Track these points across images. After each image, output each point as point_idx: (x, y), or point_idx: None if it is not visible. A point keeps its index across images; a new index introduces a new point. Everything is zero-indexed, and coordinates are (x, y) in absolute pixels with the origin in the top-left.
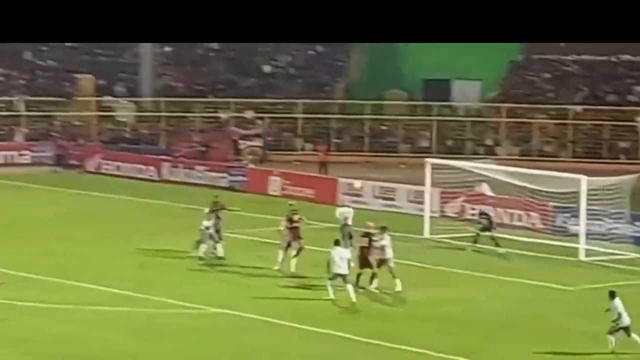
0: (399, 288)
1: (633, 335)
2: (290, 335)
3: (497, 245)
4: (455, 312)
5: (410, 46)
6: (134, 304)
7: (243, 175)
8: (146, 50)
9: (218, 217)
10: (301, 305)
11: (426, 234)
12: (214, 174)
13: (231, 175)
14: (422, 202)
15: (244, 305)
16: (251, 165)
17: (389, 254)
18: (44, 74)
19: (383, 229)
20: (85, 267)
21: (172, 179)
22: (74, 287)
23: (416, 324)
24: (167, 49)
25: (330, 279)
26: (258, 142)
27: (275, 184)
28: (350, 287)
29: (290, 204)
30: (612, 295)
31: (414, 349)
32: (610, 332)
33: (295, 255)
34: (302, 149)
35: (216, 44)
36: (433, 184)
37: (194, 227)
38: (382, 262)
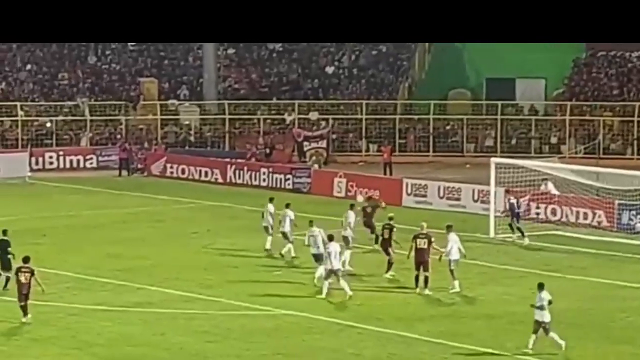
0: (457, 289)
1: (551, 333)
2: (358, 337)
3: (519, 233)
4: (522, 311)
5: (473, 45)
6: (199, 306)
7: (308, 177)
8: (209, 52)
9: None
10: (368, 307)
11: (492, 233)
12: (278, 175)
13: (296, 177)
14: (487, 202)
15: (309, 306)
16: (315, 167)
17: (455, 254)
18: (108, 78)
19: (448, 228)
20: (151, 270)
21: (237, 181)
22: (140, 290)
23: (484, 323)
24: (230, 51)
25: (326, 278)
26: (322, 144)
27: (340, 186)
28: (343, 282)
29: (390, 217)
30: (541, 287)
31: (482, 349)
32: (535, 331)
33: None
34: (367, 150)
35: (279, 45)
36: (498, 183)
37: (259, 229)
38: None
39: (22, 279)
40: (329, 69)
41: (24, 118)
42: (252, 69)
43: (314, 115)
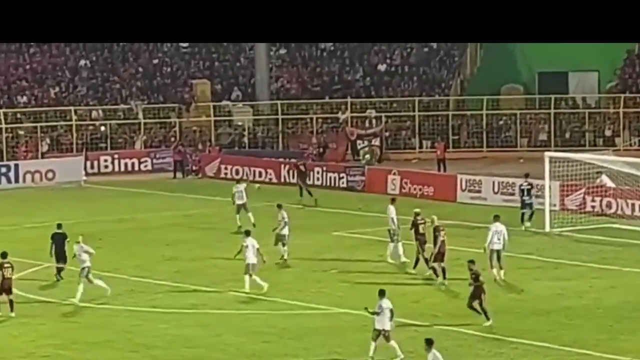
0: (502, 277)
1: (392, 342)
2: (413, 333)
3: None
4: (578, 305)
5: None
6: (255, 306)
7: (362, 175)
8: (261, 53)
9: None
10: (423, 303)
11: (547, 227)
12: (332, 174)
13: (350, 175)
14: (542, 196)
15: (365, 304)
16: (367, 157)
17: (496, 244)
18: (161, 81)
19: (496, 217)
20: (206, 271)
21: (291, 181)
22: (195, 291)
23: (539, 318)
24: (282, 51)
25: (246, 272)
26: (376, 142)
27: (394, 183)
28: (256, 278)
29: (417, 212)
30: (381, 294)
31: (537, 343)
32: (374, 339)
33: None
34: (420, 147)
35: (330, 44)
36: (553, 177)
37: (313, 228)
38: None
39: (7, 274)
40: (381, 67)
41: (79, 122)
42: (304, 68)
43: (371, 113)
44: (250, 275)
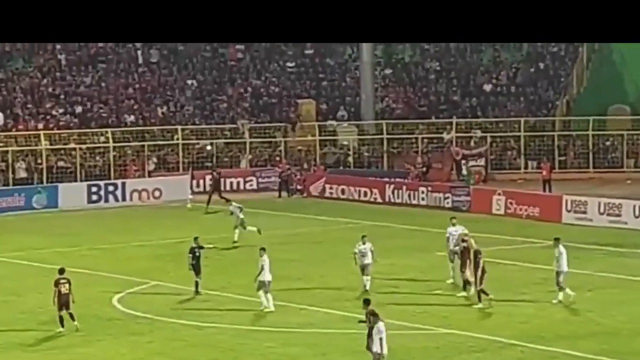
0: (560, 299)
1: None
2: (520, 355)
3: None
4: None
5: (632, 60)
6: (361, 326)
7: (467, 195)
8: (366, 73)
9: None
10: (531, 324)
11: None
12: (437, 194)
13: (455, 195)
14: None
15: (471, 324)
16: (471, 174)
17: (564, 266)
18: (267, 101)
19: (557, 240)
20: (311, 290)
21: (395, 200)
22: (301, 310)
23: None
24: (387, 71)
25: (259, 288)
26: (481, 162)
27: (499, 203)
28: (270, 296)
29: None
30: (375, 316)
31: None
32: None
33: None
34: (526, 167)
35: (437, 64)
36: None
37: (418, 248)
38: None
39: (63, 289)
40: (487, 87)
41: (185, 141)
42: (410, 88)
43: (476, 133)
44: (266, 292)
